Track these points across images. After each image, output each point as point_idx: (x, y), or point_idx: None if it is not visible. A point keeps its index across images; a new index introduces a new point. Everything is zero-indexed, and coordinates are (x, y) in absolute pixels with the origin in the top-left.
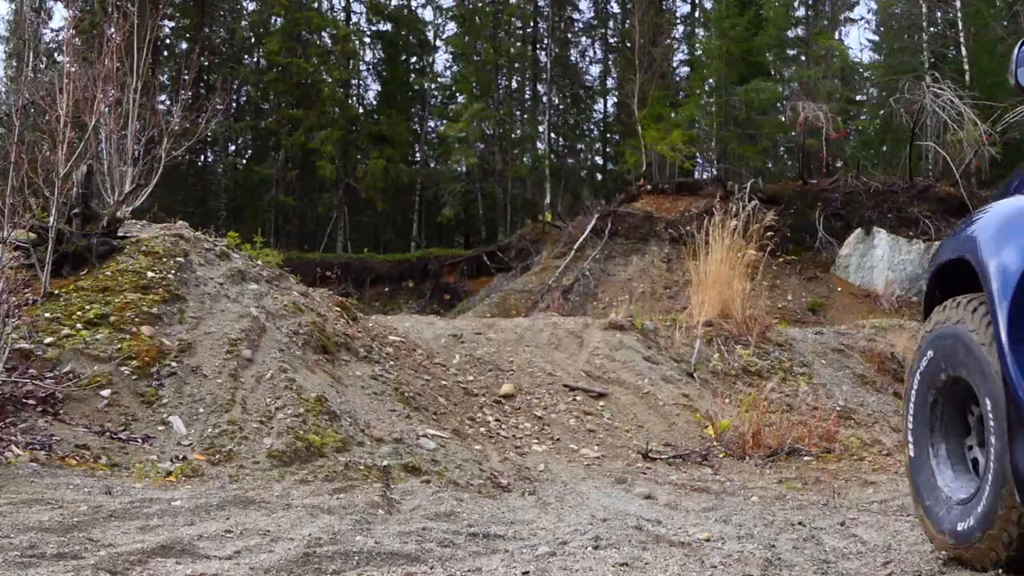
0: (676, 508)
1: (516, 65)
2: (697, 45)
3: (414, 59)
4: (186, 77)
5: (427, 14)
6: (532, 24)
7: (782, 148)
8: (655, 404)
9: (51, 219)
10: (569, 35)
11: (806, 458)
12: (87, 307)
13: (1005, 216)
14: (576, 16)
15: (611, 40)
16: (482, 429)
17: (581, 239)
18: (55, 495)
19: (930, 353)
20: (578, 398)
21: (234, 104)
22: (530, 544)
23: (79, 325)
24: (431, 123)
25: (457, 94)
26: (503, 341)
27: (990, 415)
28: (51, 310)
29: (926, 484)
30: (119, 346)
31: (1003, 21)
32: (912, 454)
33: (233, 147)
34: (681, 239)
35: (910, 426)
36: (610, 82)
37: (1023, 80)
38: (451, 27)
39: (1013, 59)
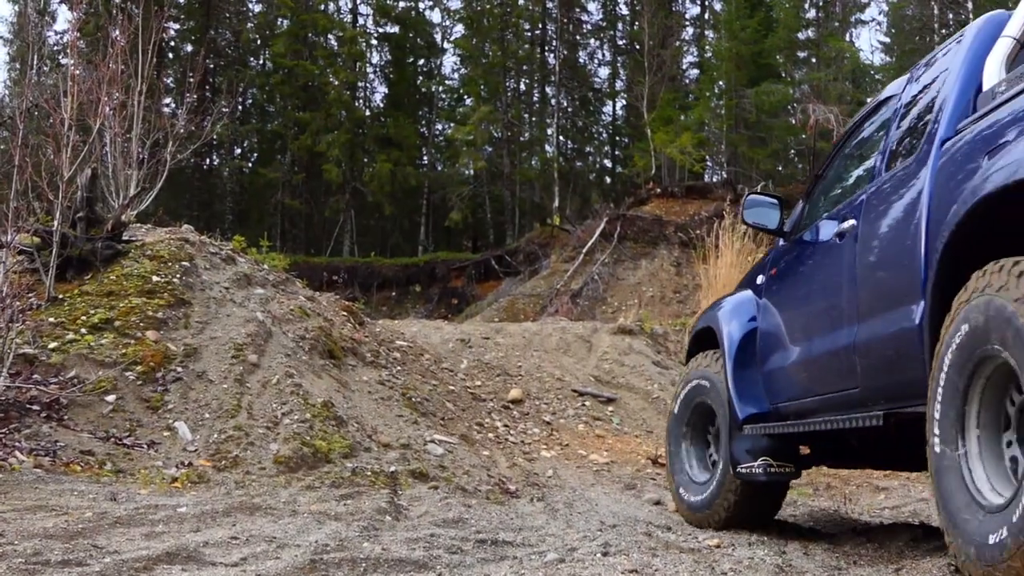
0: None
1: (524, 67)
2: (707, 47)
3: (421, 61)
4: (191, 80)
5: (435, 16)
6: (540, 26)
7: (792, 151)
8: (665, 409)
9: (55, 223)
10: (577, 37)
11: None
12: (91, 312)
13: (734, 303)
14: (584, 18)
15: (620, 42)
16: (490, 434)
17: (590, 243)
18: (60, 501)
19: (689, 386)
20: (587, 403)
21: (240, 107)
22: (539, 551)
23: (83, 330)
24: (438, 126)
25: (465, 97)
26: (511, 346)
27: (721, 425)
28: (55, 315)
29: (679, 470)
30: (124, 351)
31: None
32: (672, 449)
33: (239, 150)
34: (691, 243)
35: (681, 431)
36: (619, 84)
37: (748, 219)
38: (459, 29)
39: (741, 204)
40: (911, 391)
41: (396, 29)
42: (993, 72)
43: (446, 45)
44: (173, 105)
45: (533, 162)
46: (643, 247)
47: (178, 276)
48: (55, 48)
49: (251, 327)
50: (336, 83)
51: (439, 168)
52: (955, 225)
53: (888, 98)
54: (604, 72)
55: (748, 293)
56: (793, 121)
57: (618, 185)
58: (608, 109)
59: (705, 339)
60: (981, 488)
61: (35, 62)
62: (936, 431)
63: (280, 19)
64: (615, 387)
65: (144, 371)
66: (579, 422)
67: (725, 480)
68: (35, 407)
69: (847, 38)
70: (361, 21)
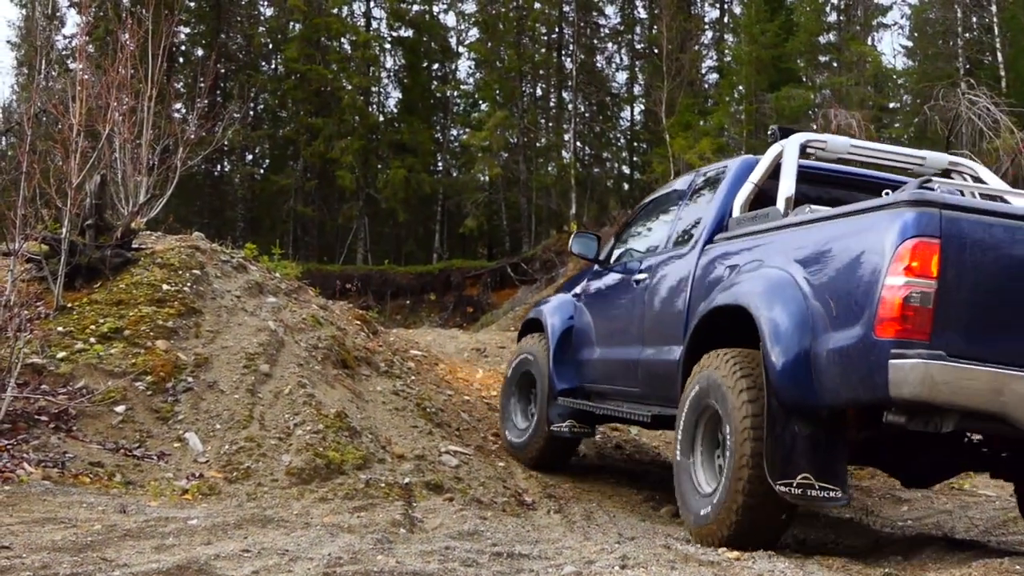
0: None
1: (541, 72)
2: (726, 51)
3: (436, 66)
4: (202, 85)
5: (449, 20)
6: (557, 30)
7: None
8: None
9: (64, 230)
10: (595, 41)
11: None
12: (101, 321)
13: (557, 302)
14: (602, 22)
15: (638, 46)
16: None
17: None
18: (68, 514)
19: (519, 358)
20: None
21: (251, 112)
22: (556, 564)
23: (93, 339)
24: (453, 131)
25: (480, 102)
26: None
27: (538, 391)
28: (64, 324)
29: (507, 418)
30: (134, 361)
31: None
32: (503, 402)
33: (250, 156)
34: None
35: (511, 390)
36: (637, 89)
37: (574, 249)
38: (474, 33)
39: (571, 238)
40: (669, 400)
41: (410, 33)
42: (737, 207)
43: (461, 49)
44: (184, 110)
45: (550, 168)
46: None
47: (189, 284)
48: (63, 53)
49: (263, 336)
50: (349, 88)
51: (454, 174)
52: (699, 317)
53: (677, 191)
54: (622, 77)
55: (568, 296)
56: (814, 127)
57: (636, 191)
58: (626, 114)
59: (533, 326)
60: (700, 483)
61: (43, 67)
62: (678, 448)
63: (292, 23)
64: None
65: (154, 381)
66: (598, 433)
67: (537, 431)
68: (43, 418)
69: (869, 42)
70: (375, 25)
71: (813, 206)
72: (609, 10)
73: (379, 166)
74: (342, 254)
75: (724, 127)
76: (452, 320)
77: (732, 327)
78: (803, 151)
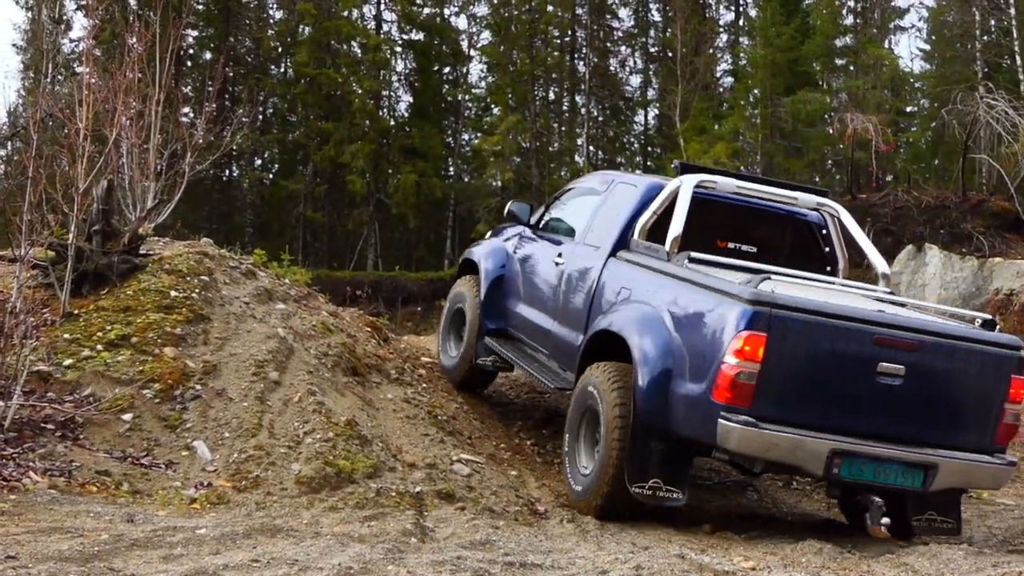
0: (721, 536)
1: (553, 75)
2: (741, 54)
3: (447, 69)
4: (210, 88)
5: (461, 23)
6: (570, 33)
7: (830, 161)
8: None
9: (70, 236)
10: (608, 44)
11: None
12: (108, 328)
13: (491, 247)
14: (615, 25)
15: (652, 49)
16: (519, 454)
17: None
18: (75, 523)
19: (454, 295)
20: None
21: (260, 116)
22: (569, 574)
23: (99, 346)
24: (465, 136)
25: (492, 106)
26: None
27: (468, 328)
28: (70, 331)
29: (442, 345)
30: (141, 368)
31: None
32: (440, 332)
33: (259, 161)
34: None
35: (447, 323)
36: (651, 93)
37: (510, 209)
38: (486, 36)
39: (509, 202)
40: (569, 372)
41: (421, 36)
42: (638, 228)
43: (472, 53)
44: (192, 115)
45: (563, 173)
46: None
47: (197, 291)
48: (70, 56)
49: (272, 343)
50: (360, 92)
51: (466, 179)
52: (592, 331)
53: (596, 188)
54: (636, 80)
55: (501, 243)
56: (830, 131)
57: None
58: (640, 118)
59: (468, 268)
60: (581, 465)
61: (50, 71)
62: (567, 437)
63: (302, 26)
64: None
65: (162, 389)
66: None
67: (463, 360)
68: (50, 426)
69: (886, 45)
70: (385, 28)
71: (693, 257)
72: (623, 13)
73: (390, 171)
74: (352, 260)
75: (739, 131)
76: None
77: (618, 343)
78: (698, 188)
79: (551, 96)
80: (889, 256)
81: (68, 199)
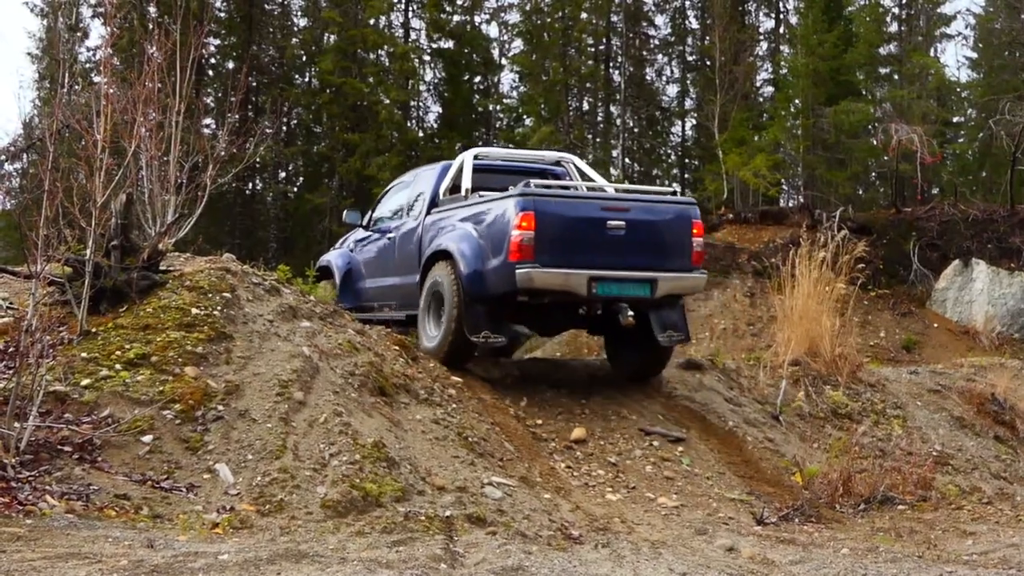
0: (761, 561)
1: (587, 85)
2: (782, 63)
3: (478, 79)
4: (233, 99)
5: (492, 30)
6: (605, 41)
7: (874, 174)
8: (737, 449)
9: (88, 252)
10: (644, 53)
11: (900, 507)
12: (127, 346)
13: (338, 255)
14: (652, 32)
15: (689, 58)
16: (552, 477)
17: None
18: (93, 549)
19: (323, 284)
20: (655, 443)
21: (284, 128)
22: None
23: (118, 366)
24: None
25: (524, 116)
26: (574, 382)
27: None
28: (88, 350)
29: (423, 327)
30: (161, 388)
31: None
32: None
33: (283, 174)
34: (765, 272)
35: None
36: (688, 103)
37: (345, 219)
38: (517, 44)
39: (344, 211)
40: (414, 306)
41: (450, 44)
42: (441, 192)
43: (504, 61)
44: (213, 126)
45: None
46: (714, 276)
47: (219, 308)
48: (87, 65)
49: (297, 363)
50: (387, 102)
51: None
52: (426, 257)
53: (406, 181)
54: (672, 90)
55: (343, 250)
56: (874, 142)
57: None
58: (677, 129)
59: (324, 273)
60: (430, 329)
61: (66, 80)
62: (420, 311)
63: (327, 34)
64: (685, 426)
65: (183, 409)
66: (647, 463)
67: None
68: (67, 448)
69: (931, 53)
70: (413, 36)
71: (481, 192)
72: (659, 20)
73: None
74: None
75: (780, 142)
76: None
77: (445, 257)
78: (476, 158)
79: (585, 106)
80: (935, 271)
81: (86, 213)
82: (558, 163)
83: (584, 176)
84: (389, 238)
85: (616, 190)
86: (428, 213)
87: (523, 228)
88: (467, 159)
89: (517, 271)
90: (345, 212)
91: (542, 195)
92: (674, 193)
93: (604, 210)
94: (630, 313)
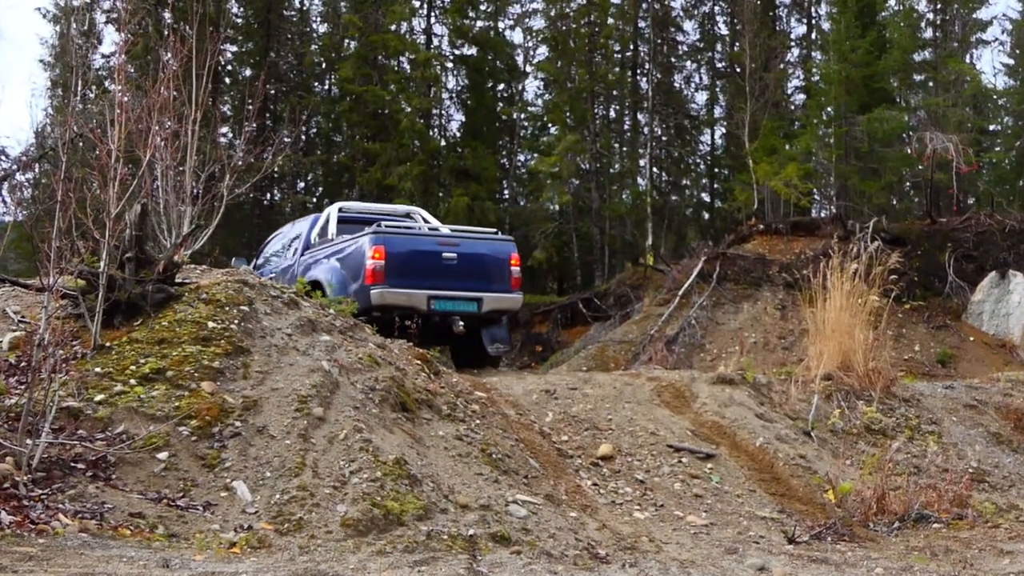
0: None
1: (614, 92)
2: (814, 70)
3: (502, 86)
4: (250, 107)
5: (516, 37)
6: (632, 47)
7: (908, 183)
8: (768, 466)
9: (102, 264)
10: (672, 59)
11: (935, 525)
12: (141, 361)
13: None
14: (680, 38)
15: (719, 65)
16: (578, 494)
17: (686, 284)
18: (107, 569)
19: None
20: (684, 460)
21: (303, 136)
22: None
23: (133, 381)
24: (520, 157)
25: (549, 125)
26: (601, 397)
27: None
28: (102, 364)
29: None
30: (177, 404)
31: None
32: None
33: (302, 184)
34: (797, 284)
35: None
36: (718, 111)
37: (238, 266)
38: (542, 51)
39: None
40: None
41: (474, 51)
42: (314, 236)
43: (528, 68)
44: (230, 135)
45: (624, 196)
46: (745, 289)
47: (236, 322)
48: (101, 73)
49: (316, 377)
50: (408, 110)
51: (521, 203)
52: (304, 285)
53: (284, 231)
54: (702, 97)
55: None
56: (909, 151)
57: (717, 221)
58: (706, 138)
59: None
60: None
61: (79, 88)
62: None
63: (347, 41)
64: (714, 442)
65: (199, 426)
66: (675, 480)
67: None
68: (80, 465)
69: (967, 60)
70: (436, 43)
71: (345, 236)
72: (688, 26)
73: (440, 194)
74: None
75: (812, 151)
76: (519, 359)
77: (317, 286)
78: (340, 210)
79: (612, 114)
80: (971, 284)
81: (99, 224)
82: (408, 215)
83: (428, 223)
84: (272, 276)
85: (451, 231)
86: (303, 253)
87: (376, 258)
88: (332, 211)
89: (372, 292)
90: (233, 260)
91: (390, 233)
92: (496, 233)
93: (440, 244)
94: (461, 323)
